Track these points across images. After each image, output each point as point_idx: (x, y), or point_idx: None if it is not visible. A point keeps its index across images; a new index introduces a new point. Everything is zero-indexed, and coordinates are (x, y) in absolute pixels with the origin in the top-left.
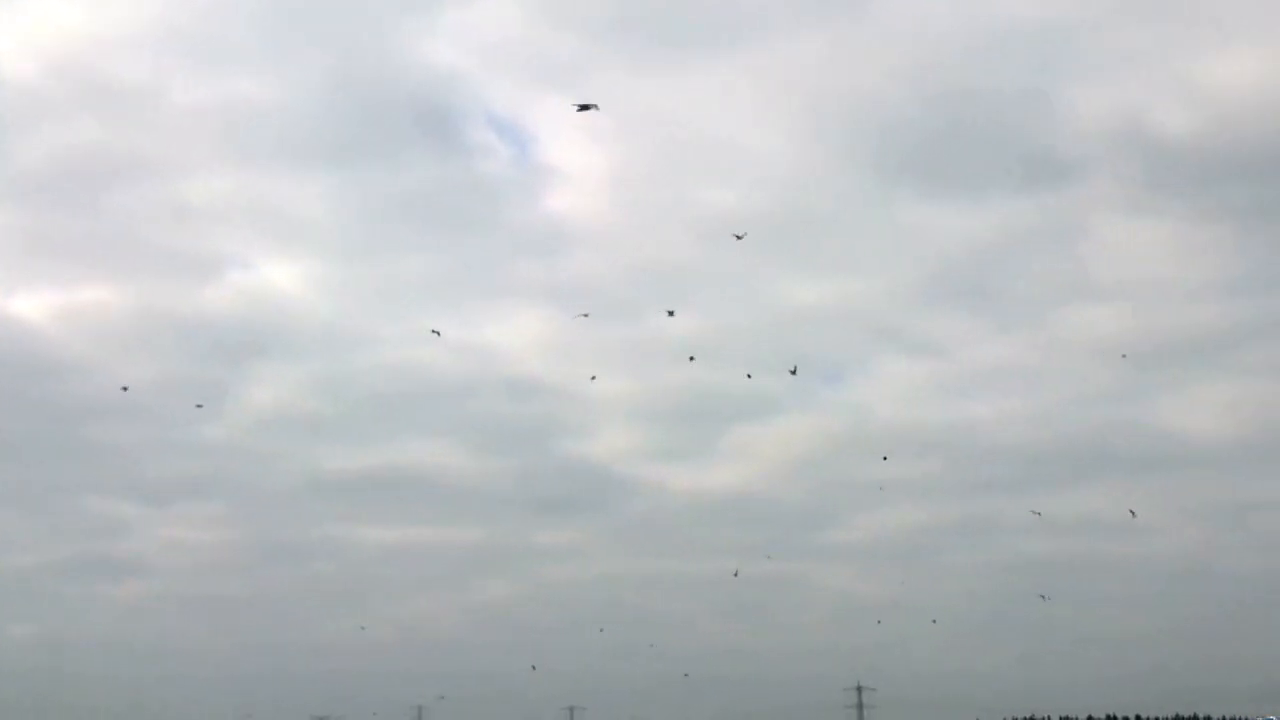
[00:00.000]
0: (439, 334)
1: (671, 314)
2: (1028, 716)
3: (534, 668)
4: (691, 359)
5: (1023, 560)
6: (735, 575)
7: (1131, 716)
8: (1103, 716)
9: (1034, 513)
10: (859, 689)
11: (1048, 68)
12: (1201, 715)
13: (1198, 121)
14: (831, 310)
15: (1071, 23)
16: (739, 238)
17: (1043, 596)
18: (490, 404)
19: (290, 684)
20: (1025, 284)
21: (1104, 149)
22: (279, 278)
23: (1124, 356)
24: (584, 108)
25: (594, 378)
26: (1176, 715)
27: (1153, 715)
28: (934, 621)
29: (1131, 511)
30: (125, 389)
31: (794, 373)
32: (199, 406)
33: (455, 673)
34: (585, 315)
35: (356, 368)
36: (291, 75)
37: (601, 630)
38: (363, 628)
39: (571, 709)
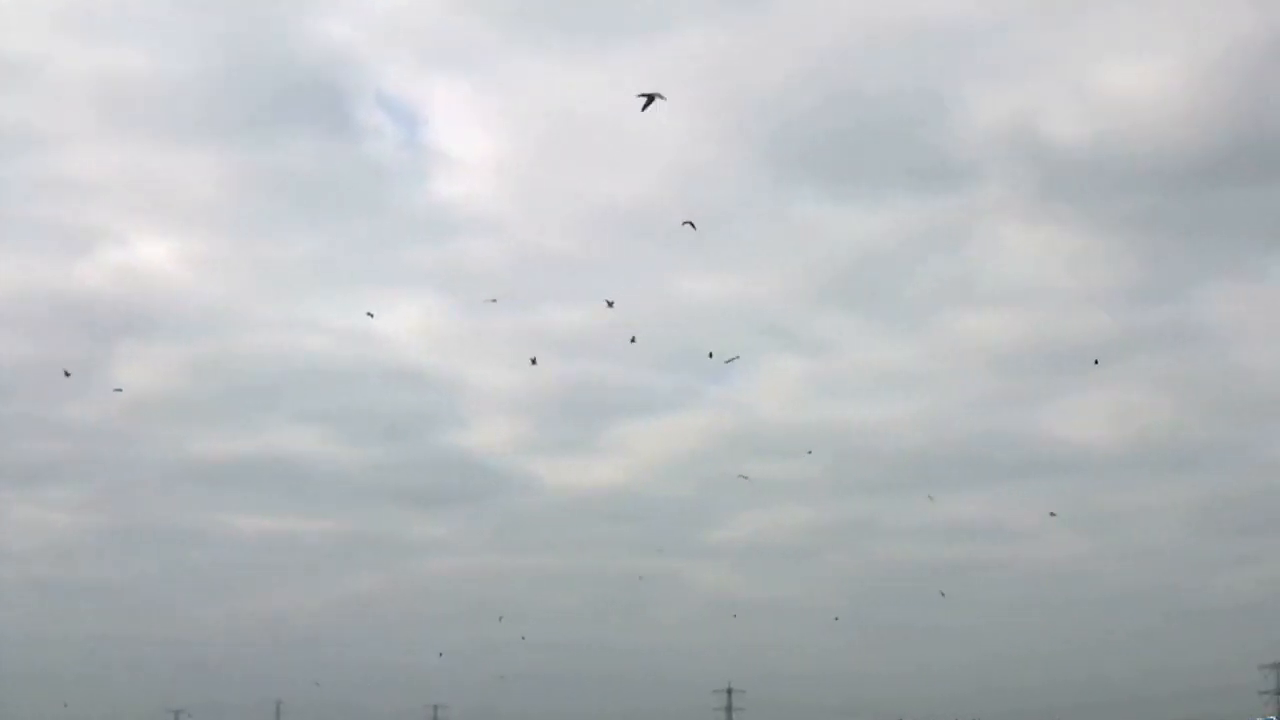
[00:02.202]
0: (372, 315)
1: (611, 304)
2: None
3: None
4: (633, 340)
5: (902, 564)
6: (640, 579)
7: None
8: None
9: (929, 497)
10: (729, 691)
11: (946, 71)
12: None
13: (1092, 130)
14: (721, 306)
15: (970, 27)
16: (690, 225)
17: (942, 593)
18: (368, 392)
19: (149, 676)
20: (916, 287)
21: (998, 155)
22: (155, 255)
23: (1010, 362)
24: (649, 98)
25: (534, 360)
26: None
27: None
28: (836, 619)
29: (1052, 512)
30: None
31: (710, 356)
32: (67, 375)
33: (321, 666)
34: (493, 300)
35: (233, 350)
36: (177, 47)
37: (501, 619)
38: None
39: (435, 707)
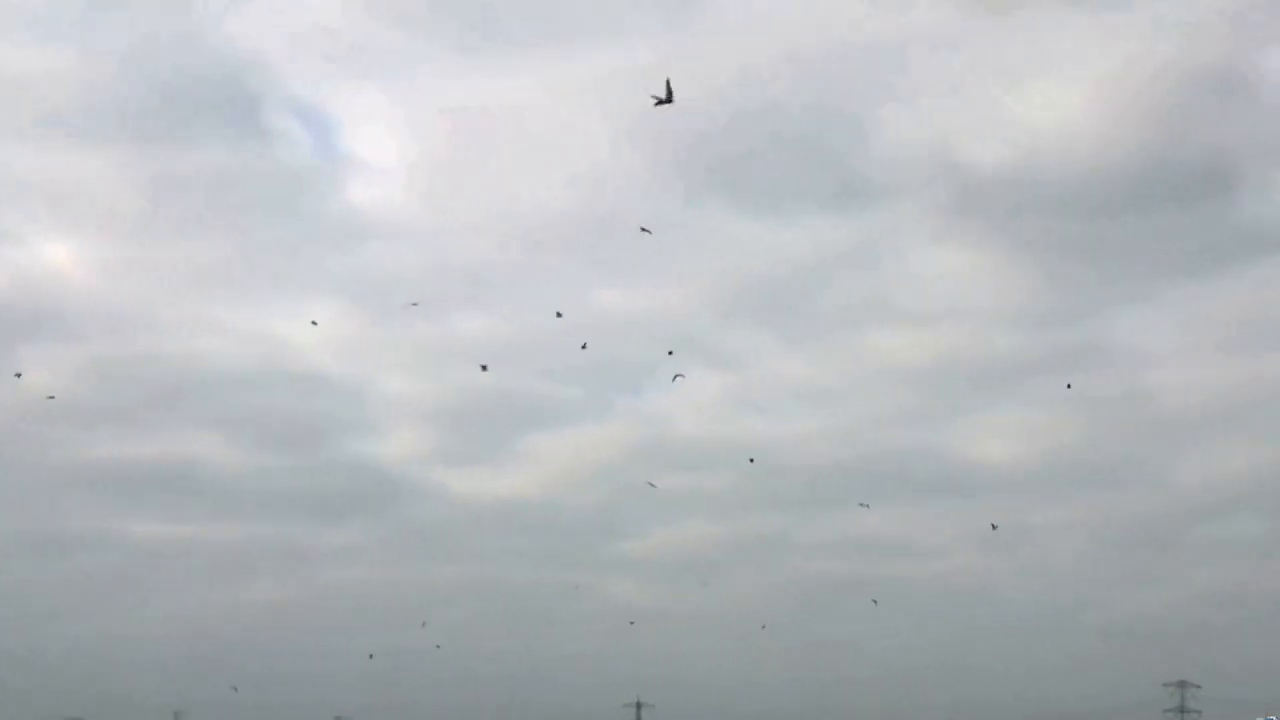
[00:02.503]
0: (316, 324)
1: (559, 315)
2: None
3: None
4: (585, 346)
5: (812, 579)
6: (577, 587)
7: None
8: None
9: (862, 505)
10: (638, 705)
11: (864, 92)
12: None
13: (1006, 154)
14: (635, 319)
15: (889, 50)
16: (646, 231)
17: (875, 601)
18: (274, 398)
19: (44, 684)
20: (830, 304)
21: (914, 175)
22: (54, 256)
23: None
24: (660, 100)
25: (484, 368)
26: None
27: None
28: (763, 627)
29: (993, 524)
30: None
31: (671, 354)
32: None
33: (222, 675)
34: (414, 304)
35: (133, 354)
36: (82, 45)
37: (425, 624)
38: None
39: (337, 718)
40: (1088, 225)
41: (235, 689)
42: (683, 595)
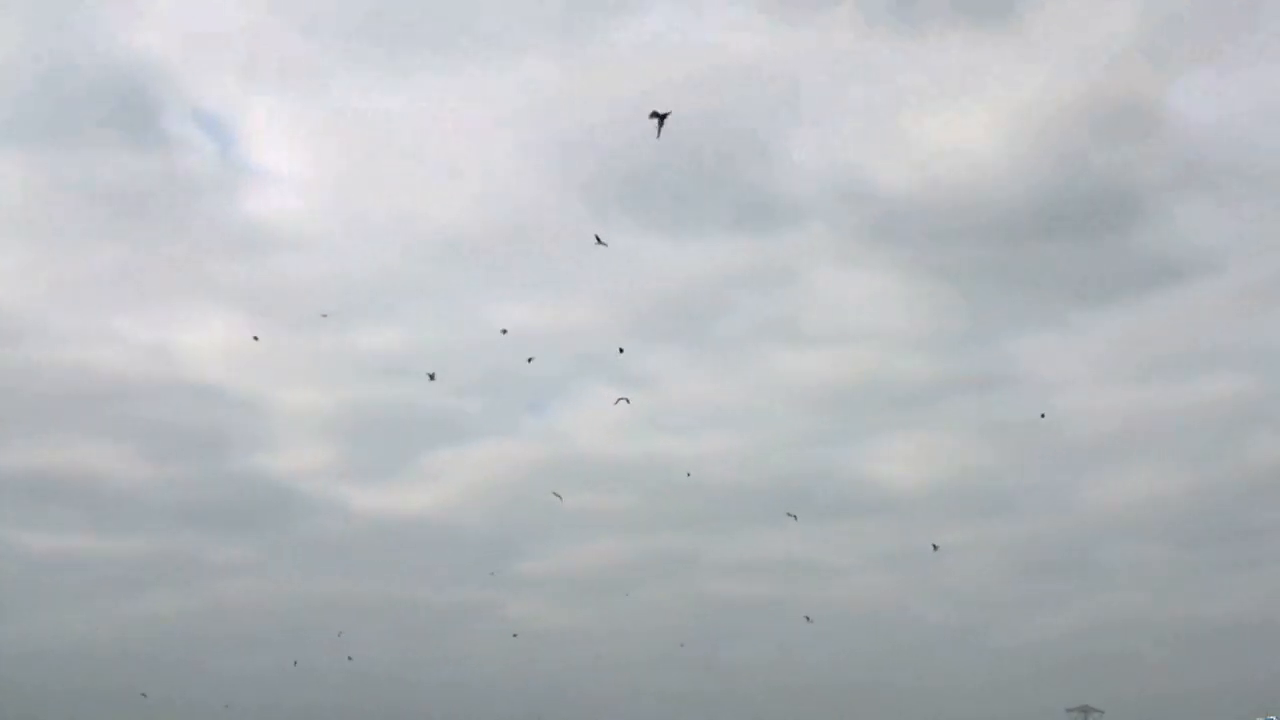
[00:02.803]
0: (258, 339)
1: (504, 331)
2: None
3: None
4: (530, 360)
5: (718, 599)
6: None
7: None
8: None
9: (790, 515)
10: None
11: (775, 115)
12: None
13: (914, 180)
14: (539, 335)
15: (800, 73)
16: (600, 241)
17: (808, 618)
18: (169, 409)
19: None
20: (738, 324)
21: (823, 198)
22: None
23: (831, 403)
24: (659, 117)
25: (431, 376)
26: None
27: None
28: (681, 646)
29: (934, 545)
30: None
31: (621, 351)
32: None
33: (113, 689)
34: (324, 315)
35: (24, 361)
36: None
37: (324, 641)
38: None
39: None
40: (995, 251)
41: (144, 695)
42: (588, 614)
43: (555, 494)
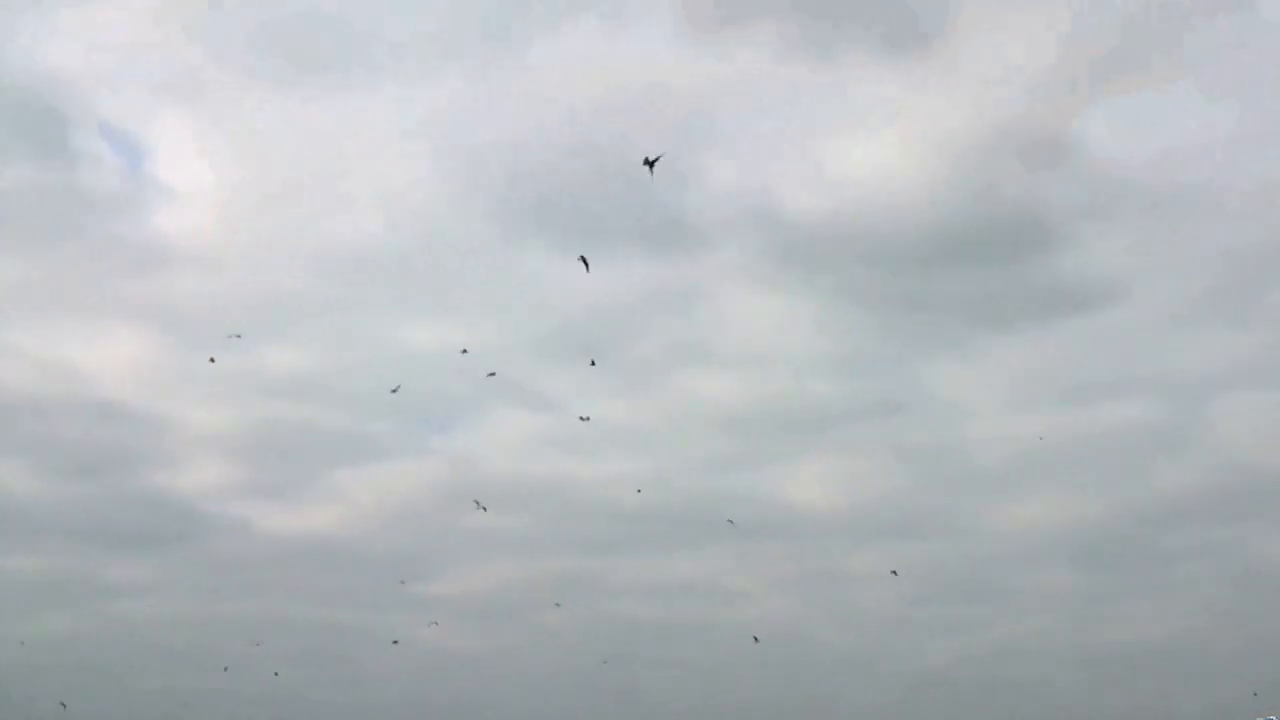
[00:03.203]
0: (214, 361)
1: (464, 351)
2: None
3: None
4: (492, 374)
5: (619, 623)
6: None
7: None
8: None
9: (729, 520)
10: None
11: (689, 137)
12: None
13: (826, 205)
14: (447, 355)
15: (711, 97)
16: (584, 261)
17: (755, 638)
18: (70, 426)
19: None
20: (646, 346)
21: (735, 222)
22: None
23: (740, 426)
24: (650, 163)
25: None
26: None
27: None
28: (604, 662)
29: (894, 571)
30: None
31: (593, 364)
32: None
33: (15, 710)
34: (238, 336)
35: None
36: None
37: (226, 669)
38: None
39: None
40: (907, 278)
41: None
42: (494, 637)
43: (478, 503)
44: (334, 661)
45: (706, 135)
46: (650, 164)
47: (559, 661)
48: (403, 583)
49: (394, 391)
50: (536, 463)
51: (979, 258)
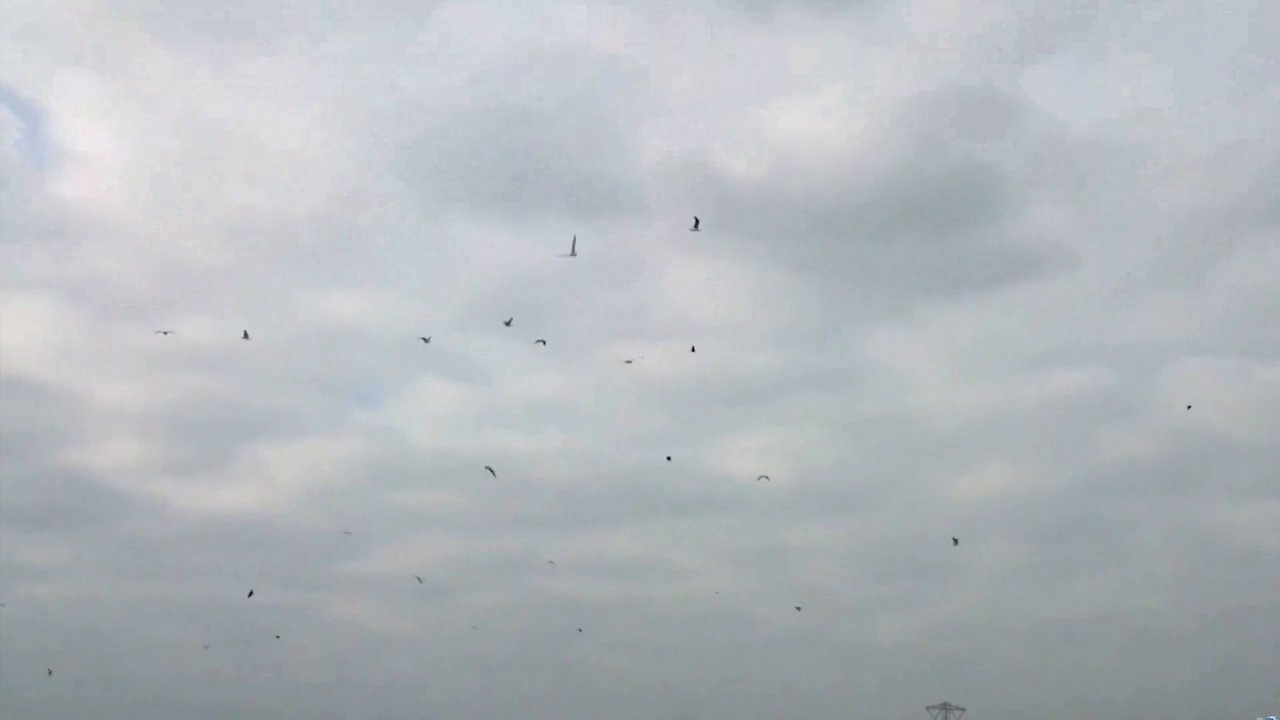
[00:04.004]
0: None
1: (508, 323)
2: None
3: None
4: (427, 340)
5: (557, 600)
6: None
7: None
8: None
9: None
10: None
11: (615, 102)
12: None
13: (764, 170)
14: (369, 328)
15: (641, 59)
16: (573, 254)
17: (579, 629)
18: None
19: None
20: (577, 317)
21: (669, 188)
22: None
23: (677, 398)
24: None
25: (426, 340)
26: None
27: None
28: (579, 630)
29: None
30: None
31: (508, 324)
32: None
33: None
34: (166, 333)
35: None
36: None
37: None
38: None
39: None
40: (848, 244)
41: None
42: (422, 616)
43: (424, 338)
44: (258, 643)
45: (642, 100)
46: (696, 223)
47: (494, 641)
48: (319, 577)
49: (426, 341)
50: (463, 437)
51: (923, 223)
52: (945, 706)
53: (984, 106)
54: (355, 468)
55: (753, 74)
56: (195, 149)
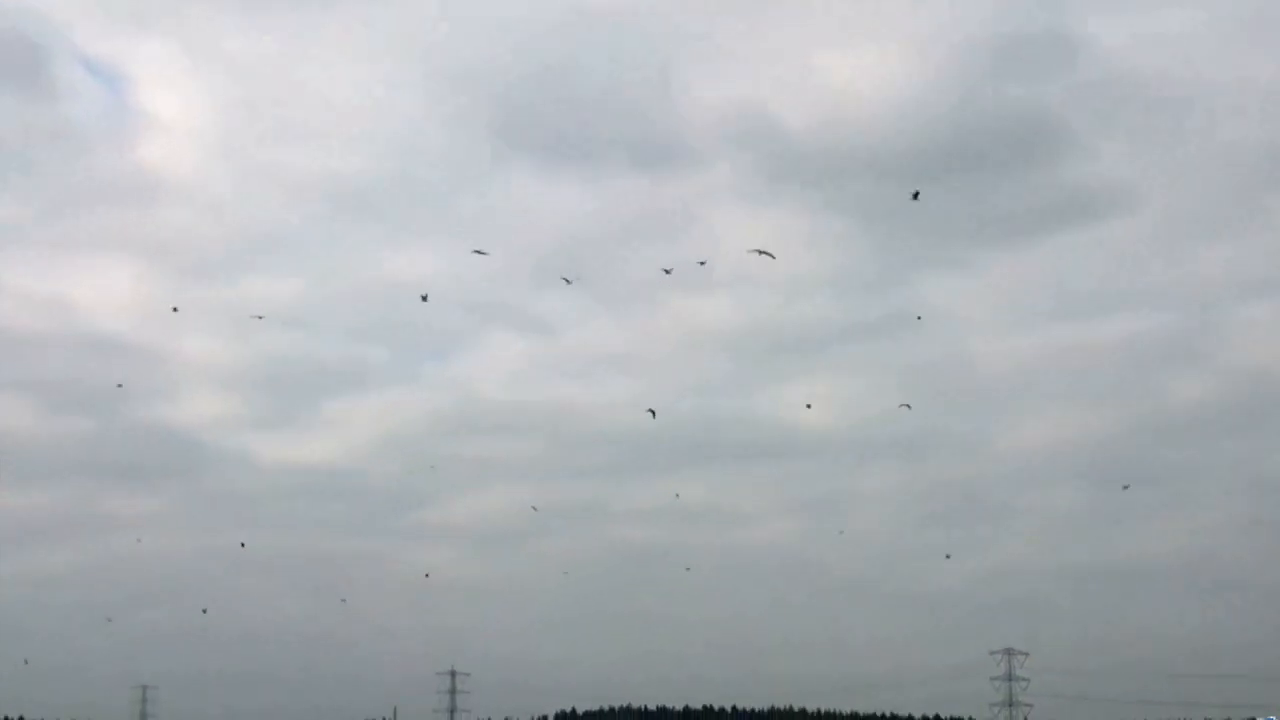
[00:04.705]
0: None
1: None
2: (624, 706)
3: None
4: (425, 299)
5: (623, 547)
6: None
7: (729, 708)
8: (699, 707)
9: (904, 405)
10: (453, 673)
11: (672, 55)
12: (797, 708)
13: (820, 117)
14: (439, 283)
15: (696, 12)
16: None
17: (687, 569)
18: (65, 361)
19: None
20: (639, 268)
21: (725, 139)
22: None
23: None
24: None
25: (424, 298)
26: (772, 707)
27: (751, 707)
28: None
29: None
30: None
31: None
32: None
33: (15, 647)
34: (260, 317)
35: None
36: None
37: (205, 611)
38: None
39: (144, 687)
40: (903, 190)
41: (26, 661)
42: (493, 563)
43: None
44: (337, 589)
45: (694, 52)
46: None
47: (560, 586)
48: (394, 526)
49: (424, 299)
50: (532, 388)
51: (980, 168)
52: (1009, 651)
53: (1041, 49)
54: (428, 420)
55: (807, 22)
56: (268, 111)
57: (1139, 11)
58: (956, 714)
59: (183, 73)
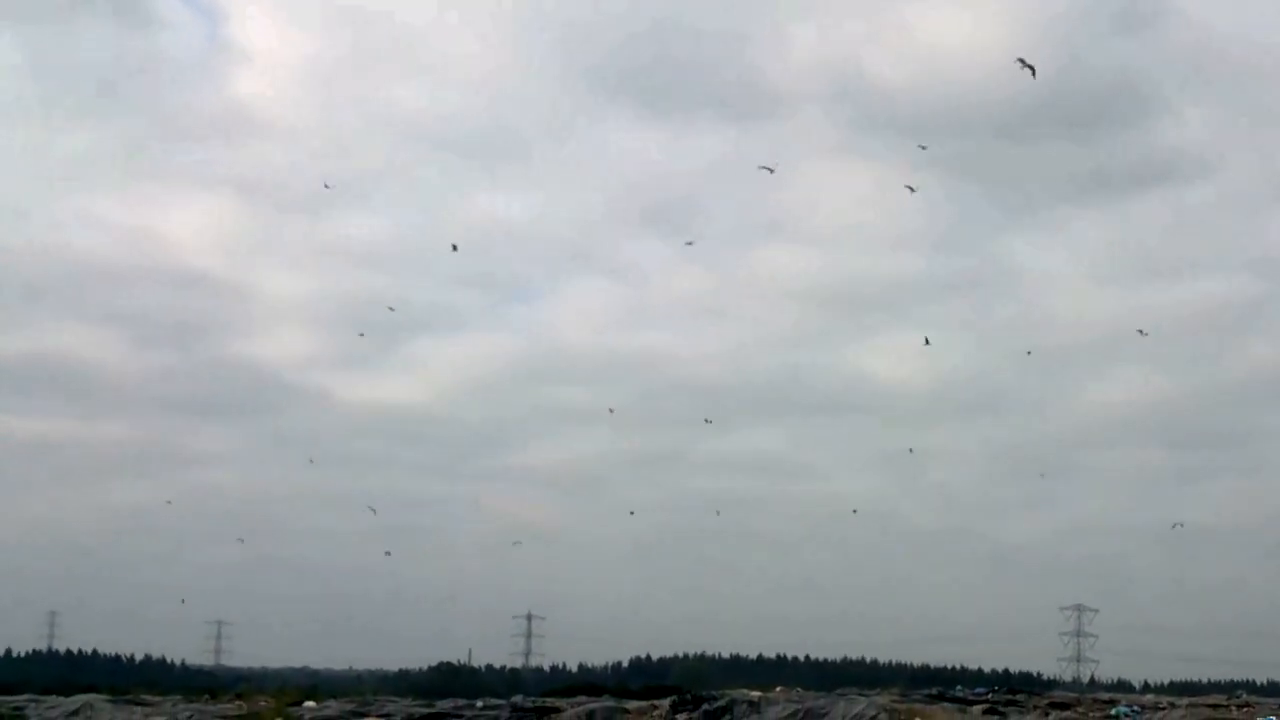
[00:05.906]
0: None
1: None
2: (699, 653)
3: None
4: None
5: (702, 496)
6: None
7: (801, 657)
8: (773, 656)
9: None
10: (529, 617)
11: (764, 4)
12: (869, 659)
13: (910, 73)
14: (526, 227)
15: None
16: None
17: (717, 512)
18: (151, 295)
19: None
20: (726, 218)
21: (815, 90)
22: None
23: (818, 299)
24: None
25: (454, 247)
26: (844, 658)
27: (823, 657)
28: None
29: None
30: None
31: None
32: None
33: (93, 578)
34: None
35: (5, 245)
36: None
37: (242, 540)
38: None
39: (219, 623)
40: (988, 148)
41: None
42: (572, 509)
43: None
44: (415, 532)
45: (791, 2)
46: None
47: (640, 534)
48: (474, 469)
49: (454, 249)
50: (616, 335)
51: (1066, 128)
52: (1079, 608)
53: (1130, 9)
54: (511, 364)
55: None
56: (361, 48)
57: None
58: (1025, 668)
59: (279, 7)
